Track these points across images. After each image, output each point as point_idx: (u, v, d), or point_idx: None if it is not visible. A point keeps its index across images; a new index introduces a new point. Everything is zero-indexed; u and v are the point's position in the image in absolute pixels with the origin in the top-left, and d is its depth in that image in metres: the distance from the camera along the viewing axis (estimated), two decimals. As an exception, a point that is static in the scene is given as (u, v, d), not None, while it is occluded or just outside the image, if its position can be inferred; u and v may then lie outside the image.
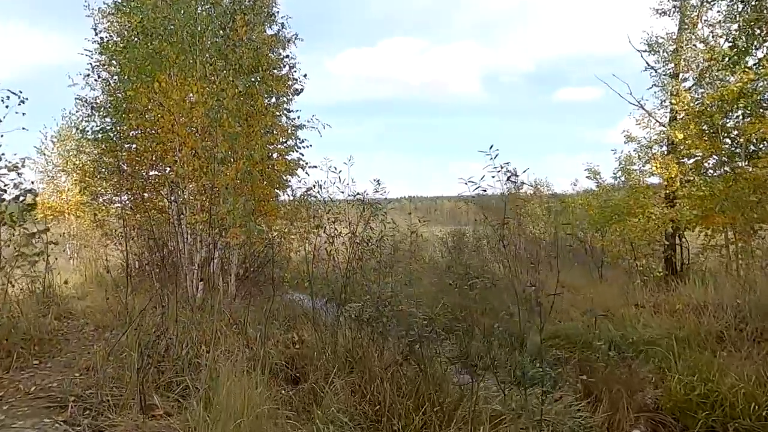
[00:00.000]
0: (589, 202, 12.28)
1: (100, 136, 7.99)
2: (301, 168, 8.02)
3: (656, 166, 10.62)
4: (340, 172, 5.78)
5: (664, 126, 11.37)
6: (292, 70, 8.10)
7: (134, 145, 7.67)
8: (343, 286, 6.40)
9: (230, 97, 6.95)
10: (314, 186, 5.98)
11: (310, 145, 7.96)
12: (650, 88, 11.92)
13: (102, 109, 8.18)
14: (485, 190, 4.49)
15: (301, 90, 7.91)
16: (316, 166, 8.14)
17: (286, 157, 7.95)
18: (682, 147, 10.90)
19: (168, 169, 7.43)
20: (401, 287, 6.44)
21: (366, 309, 5.44)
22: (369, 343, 5.79)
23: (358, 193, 5.59)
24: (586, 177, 12.52)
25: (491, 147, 4.21)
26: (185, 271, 7.73)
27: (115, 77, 7.94)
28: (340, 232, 6.26)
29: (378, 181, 6.14)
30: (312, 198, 6.21)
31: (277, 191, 8.22)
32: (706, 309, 8.32)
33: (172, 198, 7.61)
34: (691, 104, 10.59)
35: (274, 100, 8.08)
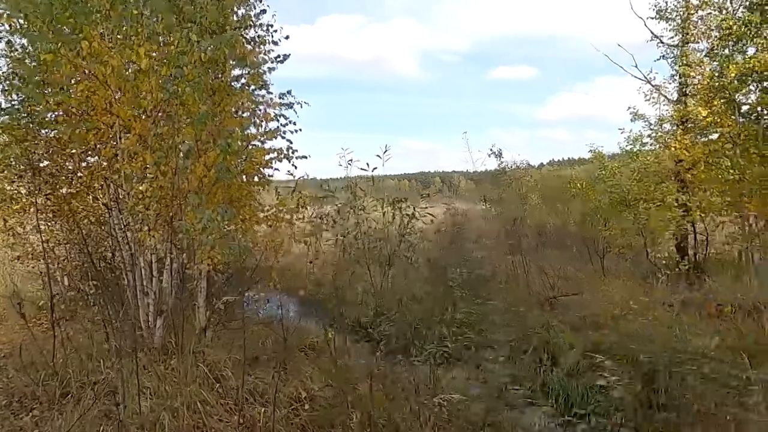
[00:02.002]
0: (592, 185, 11.11)
1: (2, 118, 5.71)
2: (287, 159, 6.13)
3: (676, 147, 9.51)
4: (374, 169, 4.06)
5: (678, 102, 10.27)
6: (272, 30, 6.12)
7: (55, 132, 5.51)
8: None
9: (193, 64, 4.96)
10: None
11: (300, 130, 6.09)
12: (658, 59, 10.78)
13: (5, 80, 5.88)
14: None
15: (287, 56, 5.97)
16: (306, 157, 6.31)
17: (266, 144, 6.03)
18: (693, 125, 9.88)
19: (107, 163, 5.37)
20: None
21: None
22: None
23: (400, 199, 3.89)
24: (589, 159, 11.36)
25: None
26: (136, 301, 5.77)
27: (23, 36, 5.68)
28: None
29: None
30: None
31: (256, 189, 6.32)
32: (759, 310, 7.33)
33: (113, 204, 5.56)
34: (711, 77, 9.51)
35: (247, 70, 6.09)
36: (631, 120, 10.88)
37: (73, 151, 5.54)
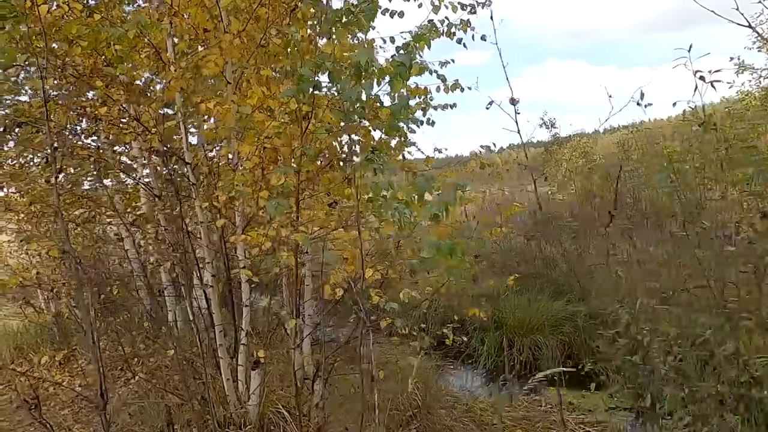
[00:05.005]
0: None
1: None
2: (423, 110, 3.86)
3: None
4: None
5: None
6: None
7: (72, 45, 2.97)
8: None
9: None
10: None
11: (452, 61, 3.81)
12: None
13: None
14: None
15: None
16: (453, 105, 4.10)
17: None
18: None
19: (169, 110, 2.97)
20: None
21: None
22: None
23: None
24: (683, 120, 9.64)
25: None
26: (204, 347, 3.46)
27: None
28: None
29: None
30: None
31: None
32: None
33: (170, 181, 3.17)
34: None
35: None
36: (736, 72, 9.17)
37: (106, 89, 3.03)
